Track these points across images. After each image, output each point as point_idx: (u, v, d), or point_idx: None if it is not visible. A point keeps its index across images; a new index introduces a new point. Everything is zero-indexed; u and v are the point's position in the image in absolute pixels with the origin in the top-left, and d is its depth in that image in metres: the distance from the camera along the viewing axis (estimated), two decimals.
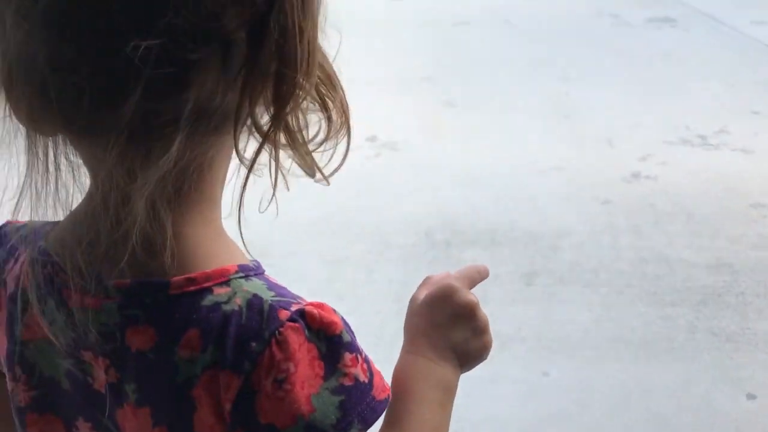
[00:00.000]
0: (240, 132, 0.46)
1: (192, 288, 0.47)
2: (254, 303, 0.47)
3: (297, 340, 0.46)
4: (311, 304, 0.48)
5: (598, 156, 2.90)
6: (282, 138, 0.47)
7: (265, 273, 0.51)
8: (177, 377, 0.47)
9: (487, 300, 1.99)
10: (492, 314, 2.10)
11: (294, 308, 0.47)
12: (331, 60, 0.52)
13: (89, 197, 0.49)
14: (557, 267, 2.14)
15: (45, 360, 0.52)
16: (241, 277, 0.48)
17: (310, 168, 0.50)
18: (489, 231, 2.35)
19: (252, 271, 0.49)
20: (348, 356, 0.47)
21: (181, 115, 0.43)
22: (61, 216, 0.49)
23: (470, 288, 0.63)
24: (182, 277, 0.47)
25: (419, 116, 3.40)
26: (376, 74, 4.02)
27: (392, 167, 2.85)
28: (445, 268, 2.31)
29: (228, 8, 0.42)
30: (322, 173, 0.51)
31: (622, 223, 2.38)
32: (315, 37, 0.47)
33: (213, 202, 0.50)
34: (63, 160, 0.48)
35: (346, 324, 0.48)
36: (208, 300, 0.47)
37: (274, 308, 0.47)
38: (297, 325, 0.46)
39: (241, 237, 0.51)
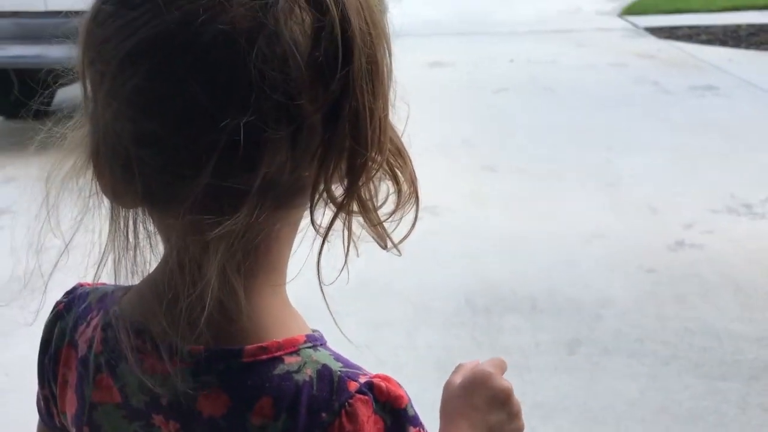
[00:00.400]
0: (316, 205, 0.48)
1: (264, 357, 0.48)
2: (324, 373, 0.48)
3: (365, 413, 0.47)
4: (378, 376, 0.49)
5: (642, 224, 2.88)
6: (355, 207, 0.50)
7: (327, 343, 0.52)
8: None
9: (529, 368, 1.96)
10: (534, 383, 2.09)
11: (362, 380, 0.48)
12: (400, 133, 0.55)
13: (163, 263, 0.51)
14: (600, 336, 2.11)
15: (111, 424, 0.53)
16: (309, 347, 0.50)
17: (381, 237, 0.53)
18: (530, 298, 2.33)
19: (318, 341, 0.51)
20: (412, 430, 0.48)
21: (251, 188, 0.45)
22: (136, 281, 0.51)
23: (501, 375, 0.65)
24: (255, 345, 0.48)
25: (460, 181, 3.43)
26: (417, 139, 4.05)
27: (433, 232, 2.85)
28: (487, 335, 2.32)
29: (305, 92, 0.45)
30: (393, 242, 0.53)
31: (667, 293, 2.34)
32: (386, 115, 0.50)
33: (280, 271, 0.52)
34: (141, 230, 0.51)
35: (411, 403, 0.49)
36: (279, 369, 0.48)
37: (343, 379, 0.48)
38: (366, 397, 0.47)
39: (326, 304, 0.55)
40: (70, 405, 0.56)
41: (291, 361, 0.48)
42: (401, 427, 0.48)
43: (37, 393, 0.61)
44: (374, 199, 0.51)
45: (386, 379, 0.49)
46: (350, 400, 0.47)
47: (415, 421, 0.49)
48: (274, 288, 0.51)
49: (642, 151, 3.78)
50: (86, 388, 0.53)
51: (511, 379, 2.11)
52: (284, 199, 0.48)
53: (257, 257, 0.49)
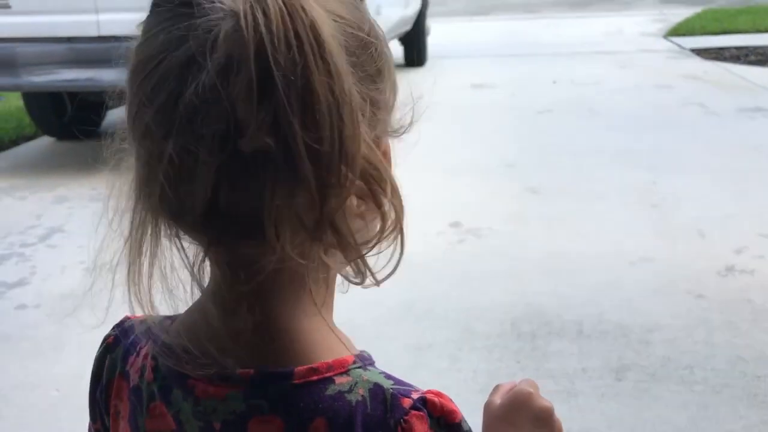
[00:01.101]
0: (285, 236, 0.45)
1: (315, 377, 0.48)
2: (377, 392, 0.48)
3: (421, 428, 0.47)
4: (431, 392, 0.49)
5: (690, 248, 2.83)
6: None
7: (375, 363, 0.52)
8: None
9: (576, 394, 1.94)
10: (581, 409, 2.06)
11: (415, 396, 0.48)
12: (384, 154, 0.53)
13: (207, 293, 0.51)
14: (649, 362, 2.07)
15: None
16: (359, 367, 0.50)
17: (359, 272, 0.49)
18: (576, 322, 2.30)
19: (366, 361, 0.51)
20: None
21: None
22: (182, 309, 0.52)
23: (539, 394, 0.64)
24: (305, 367, 0.48)
25: (503, 203, 3.41)
26: (460, 160, 4.08)
27: (476, 254, 2.85)
28: (532, 360, 2.30)
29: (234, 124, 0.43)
30: (373, 276, 0.49)
31: (717, 319, 2.29)
32: (353, 132, 0.45)
33: (320, 292, 0.51)
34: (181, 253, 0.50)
35: (464, 419, 0.49)
36: (331, 389, 0.48)
37: (396, 396, 0.48)
38: (421, 413, 0.47)
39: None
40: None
41: (342, 381, 0.48)
42: None
43: (89, 427, 0.61)
44: (352, 233, 0.47)
45: (439, 394, 0.49)
46: (405, 417, 0.47)
47: None
48: (318, 309, 0.51)
49: (688, 173, 3.72)
50: (139, 418, 0.53)
51: (557, 405, 2.09)
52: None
53: (294, 282, 0.49)
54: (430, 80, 6.71)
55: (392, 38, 6.76)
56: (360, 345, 1.98)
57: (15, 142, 4.98)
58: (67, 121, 4.87)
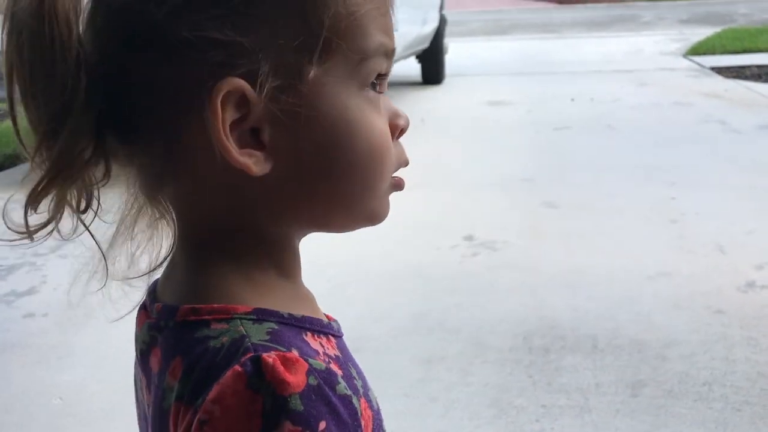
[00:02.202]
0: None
1: (192, 318, 0.46)
2: (237, 344, 0.44)
3: (233, 386, 0.41)
4: (287, 355, 0.42)
5: (710, 263, 2.76)
6: None
7: (311, 334, 0.48)
8: (163, 403, 0.46)
9: (590, 409, 1.88)
10: (595, 425, 1.99)
11: (262, 353, 0.42)
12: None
13: None
14: (666, 378, 2.00)
15: (137, 386, 0.55)
16: (249, 319, 0.45)
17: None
18: (591, 337, 2.24)
19: (275, 317, 0.46)
20: (288, 427, 0.40)
21: None
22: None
23: None
24: (189, 306, 0.47)
25: (519, 217, 3.37)
26: (476, 175, 4.04)
27: (490, 267, 2.80)
28: (545, 375, 2.24)
29: None
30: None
31: (737, 335, 2.22)
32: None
33: (256, 241, 0.49)
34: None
35: (312, 392, 0.41)
36: (200, 332, 0.45)
37: (247, 350, 0.43)
38: (240, 373, 0.41)
39: None
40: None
41: (217, 327, 0.45)
42: (277, 417, 0.40)
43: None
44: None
45: (291, 359, 0.42)
46: (227, 371, 0.42)
47: (298, 419, 0.40)
48: (241, 260, 0.49)
49: (708, 189, 3.65)
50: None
51: (570, 421, 2.04)
52: None
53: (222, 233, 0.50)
54: (447, 97, 6.70)
55: (409, 56, 6.76)
56: (371, 357, 1.96)
57: None
58: None
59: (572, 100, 6.08)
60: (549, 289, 2.60)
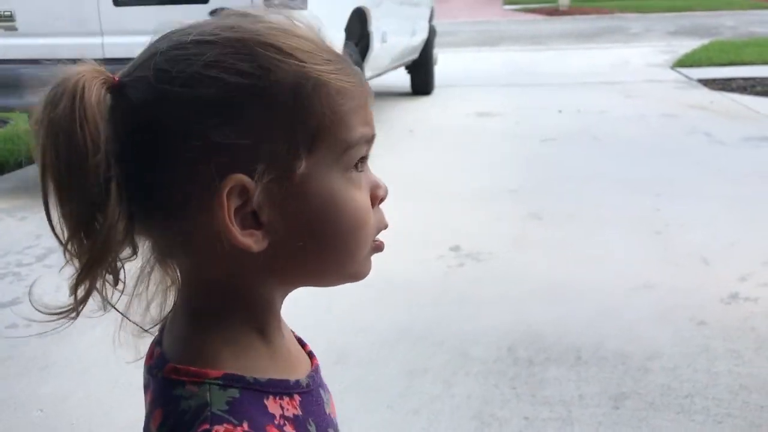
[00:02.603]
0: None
1: (174, 377, 0.55)
2: (200, 409, 0.53)
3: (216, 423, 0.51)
4: (236, 429, 0.51)
5: (693, 275, 2.78)
6: None
7: (273, 397, 0.56)
8: None
9: (572, 422, 1.88)
10: None
11: (215, 427, 0.51)
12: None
13: None
14: (648, 390, 2.01)
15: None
16: (217, 384, 0.54)
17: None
18: (574, 349, 2.25)
19: (241, 383, 0.55)
20: None
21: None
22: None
23: None
24: (173, 365, 0.56)
25: (505, 228, 3.37)
26: (462, 186, 4.05)
27: (475, 278, 2.80)
28: (528, 387, 2.23)
29: None
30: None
31: (720, 347, 2.23)
32: None
33: (249, 305, 0.59)
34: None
35: None
36: (177, 391, 0.54)
37: (205, 420, 0.52)
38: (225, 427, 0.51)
39: None
40: None
41: (189, 389, 0.54)
42: None
43: None
44: None
45: None
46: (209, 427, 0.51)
47: None
48: (229, 323, 0.58)
49: (692, 200, 3.68)
50: None
51: None
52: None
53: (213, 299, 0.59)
54: (436, 108, 6.72)
55: (398, 66, 6.79)
56: (354, 368, 1.95)
57: (20, 165, 4.99)
58: None
59: (559, 111, 6.11)
60: (533, 300, 2.60)
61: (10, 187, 4.44)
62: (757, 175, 4.08)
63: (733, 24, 14.96)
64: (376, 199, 0.61)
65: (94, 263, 0.54)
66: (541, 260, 2.97)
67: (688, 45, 10.77)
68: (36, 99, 0.53)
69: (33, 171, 4.87)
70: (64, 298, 2.18)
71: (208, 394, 0.53)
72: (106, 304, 0.58)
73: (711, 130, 5.27)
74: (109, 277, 0.56)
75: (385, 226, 0.62)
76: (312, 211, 0.56)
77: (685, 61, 9.04)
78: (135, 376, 2.32)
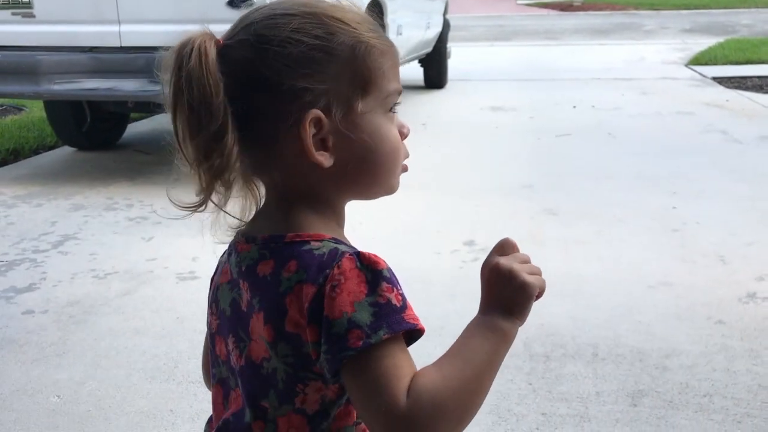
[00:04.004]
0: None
1: (297, 239, 0.75)
2: (334, 251, 0.73)
3: (349, 266, 0.71)
4: (368, 252, 0.73)
5: (711, 273, 2.76)
6: None
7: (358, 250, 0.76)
8: (280, 288, 0.73)
9: (589, 418, 1.87)
10: None
11: (353, 256, 0.72)
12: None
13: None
14: (666, 388, 2.00)
15: (222, 297, 0.81)
16: (333, 242, 0.75)
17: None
18: (591, 345, 2.24)
19: (342, 243, 0.75)
20: (385, 285, 0.71)
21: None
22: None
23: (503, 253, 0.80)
24: (294, 233, 0.75)
25: (520, 223, 3.36)
26: (477, 181, 4.04)
27: None
28: (545, 382, 2.21)
29: None
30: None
31: (738, 346, 2.21)
32: None
33: (323, 203, 0.79)
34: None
35: (390, 270, 0.72)
36: (306, 246, 0.74)
37: (345, 253, 0.72)
38: (352, 257, 0.71)
39: None
40: (209, 295, 0.86)
41: (315, 245, 0.74)
42: (377, 281, 0.71)
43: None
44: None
45: (374, 255, 0.73)
46: (342, 258, 0.71)
47: (389, 281, 0.71)
48: (319, 213, 0.78)
49: (709, 198, 3.65)
50: (216, 276, 0.85)
51: (570, 429, 2.02)
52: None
53: (301, 191, 0.78)
54: (449, 102, 6.69)
55: (412, 60, 6.76)
56: None
57: (35, 152, 5.01)
58: (86, 131, 4.90)
59: (574, 107, 6.08)
60: (549, 296, 2.56)
61: (25, 173, 4.45)
62: None
63: (750, 22, 14.84)
64: (402, 135, 0.81)
65: (216, 176, 0.73)
66: (557, 256, 2.96)
67: (703, 43, 10.69)
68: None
69: (48, 158, 4.89)
70: (80, 287, 2.21)
71: (332, 244, 0.74)
72: (217, 205, 0.77)
73: (727, 129, 5.23)
74: (222, 190, 0.76)
75: (407, 155, 0.82)
76: (365, 138, 0.76)
77: (700, 59, 8.97)
78: (150, 363, 2.32)
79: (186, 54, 0.71)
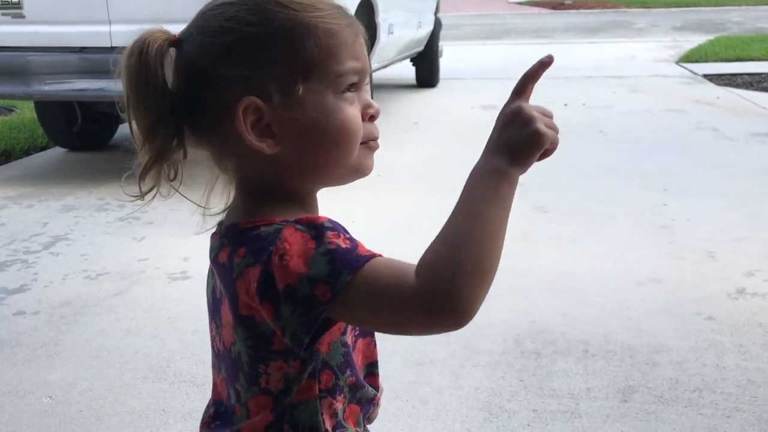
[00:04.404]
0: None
1: (249, 225, 0.76)
2: (278, 229, 0.73)
3: (290, 232, 0.72)
4: (305, 215, 0.75)
5: (700, 269, 2.77)
6: None
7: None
8: (233, 273, 0.74)
9: (580, 414, 1.88)
10: (585, 431, 1.98)
11: (295, 225, 0.73)
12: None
13: None
14: (656, 384, 2.01)
15: (207, 284, 0.84)
16: (281, 223, 0.74)
17: None
18: (582, 342, 2.25)
19: (291, 224, 0.74)
20: (330, 233, 0.71)
21: None
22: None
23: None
24: (248, 221, 0.76)
25: (511, 220, 3.35)
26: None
27: None
28: (536, 379, 2.23)
29: None
30: None
31: (727, 341, 2.23)
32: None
33: (285, 190, 0.80)
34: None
35: (332, 221, 0.73)
36: (255, 231, 0.74)
37: (286, 227, 0.73)
38: (290, 225, 0.72)
39: None
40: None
41: (264, 229, 0.74)
42: (322, 233, 0.71)
43: None
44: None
45: (311, 215, 0.76)
46: (282, 232, 0.72)
47: (333, 229, 0.72)
48: (278, 200, 0.78)
49: (699, 195, 3.67)
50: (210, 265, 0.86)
51: (561, 425, 2.03)
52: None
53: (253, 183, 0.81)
54: (441, 101, 6.70)
55: (404, 58, 6.77)
56: None
57: (26, 153, 4.99)
58: (77, 131, 4.89)
59: (565, 105, 6.10)
60: (540, 293, 2.60)
61: (16, 174, 4.44)
62: (763, 171, 4.08)
63: (740, 19, 14.90)
64: (366, 115, 0.79)
65: (156, 160, 0.76)
66: (548, 253, 2.97)
67: (693, 40, 10.74)
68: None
69: (39, 159, 4.88)
70: (71, 288, 2.21)
71: (278, 225, 0.74)
72: (169, 189, 0.81)
73: (718, 126, 5.26)
74: (171, 173, 0.80)
75: (375, 137, 0.81)
76: (309, 121, 0.75)
77: (690, 57, 9.01)
78: (142, 363, 2.32)
79: (131, 50, 0.75)
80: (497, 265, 0.70)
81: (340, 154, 0.77)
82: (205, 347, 0.83)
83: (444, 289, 0.67)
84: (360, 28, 0.79)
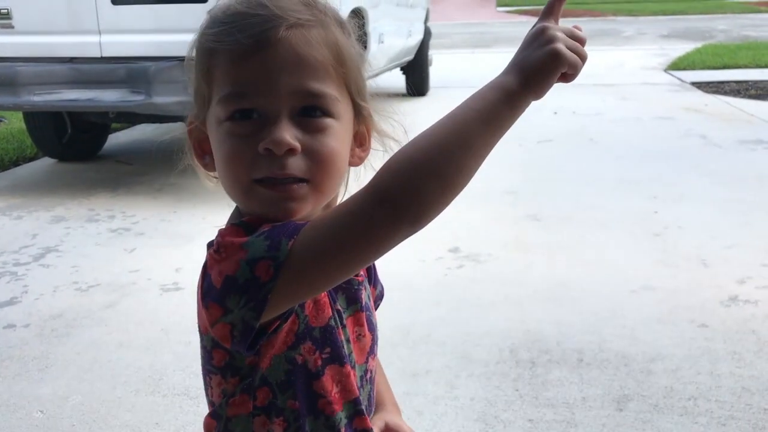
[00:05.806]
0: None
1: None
2: (220, 231, 0.73)
3: (226, 229, 0.71)
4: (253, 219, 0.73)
5: (693, 277, 2.78)
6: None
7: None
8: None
9: (575, 424, 1.88)
10: None
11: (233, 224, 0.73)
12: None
13: None
14: (651, 392, 2.01)
15: None
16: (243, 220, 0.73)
17: None
18: (576, 351, 2.25)
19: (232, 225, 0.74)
20: (266, 226, 0.69)
21: None
22: None
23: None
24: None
25: (504, 229, 3.37)
26: None
27: (475, 279, 2.80)
28: (531, 388, 2.22)
29: None
30: None
31: (721, 349, 2.23)
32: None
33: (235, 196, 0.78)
34: None
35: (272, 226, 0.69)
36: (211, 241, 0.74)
37: (226, 227, 0.74)
38: (227, 225, 0.73)
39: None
40: None
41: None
42: (257, 228, 0.69)
43: None
44: None
45: (255, 219, 0.72)
46: (220, 230, 0.72)
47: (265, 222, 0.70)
48: (236, 214, 0.79)
49: (690, 202, 3.69)
50: None
51: None
52: None
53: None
54: (431, 109, 6.72)
55: (394, 67, 6.78)
56: None
57: (15, 163, 4.96)
58: (66, 142, 4.86)
59: (555, 113, 6.12)
60: (533, 302, 2.60)
61: (5, 185, 4.41)
62: (753, 178, 4.10)
63: (726, 27, 15.03)
64: (260, 149, 0.71)
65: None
66: (541, 262, 2.98)
67: (681, 48, 10.82)
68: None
69: (28, 170, 4.84)
70: (62, 300, 2.19)
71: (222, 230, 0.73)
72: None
73: (706, 133, 5.29)
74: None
75: (270, 174, 0.71)
76: (213, 147, 0.75)
77: (678, 64, 9.08)
78: (135, 376, 2.29)
79: None
80: (464, 182, 0.66)
81: (228, 187, 0.74)
82: (198, 359, 0.81)
83: (399, 184, 0.63)
84: (243, 44, 0.68)
